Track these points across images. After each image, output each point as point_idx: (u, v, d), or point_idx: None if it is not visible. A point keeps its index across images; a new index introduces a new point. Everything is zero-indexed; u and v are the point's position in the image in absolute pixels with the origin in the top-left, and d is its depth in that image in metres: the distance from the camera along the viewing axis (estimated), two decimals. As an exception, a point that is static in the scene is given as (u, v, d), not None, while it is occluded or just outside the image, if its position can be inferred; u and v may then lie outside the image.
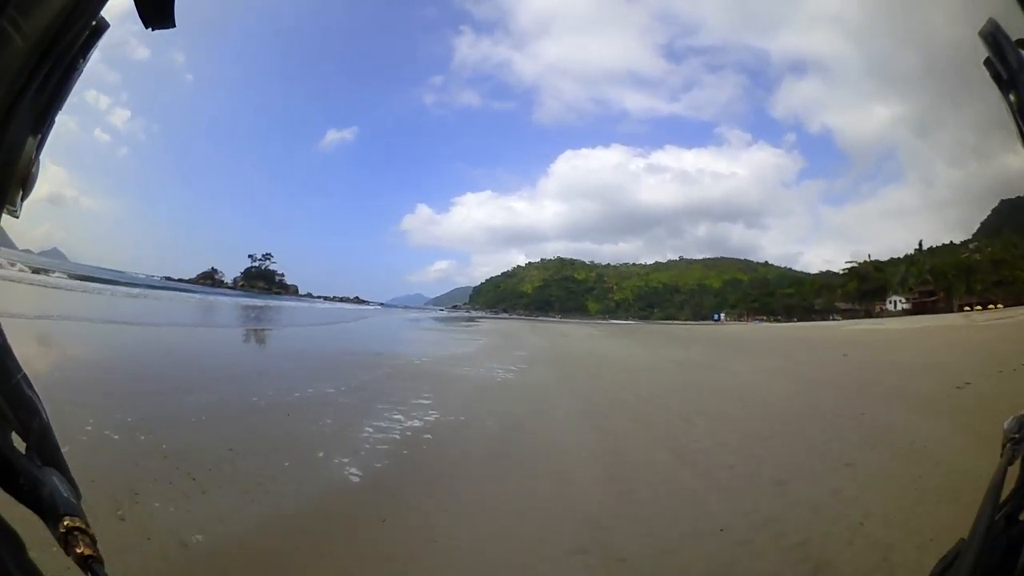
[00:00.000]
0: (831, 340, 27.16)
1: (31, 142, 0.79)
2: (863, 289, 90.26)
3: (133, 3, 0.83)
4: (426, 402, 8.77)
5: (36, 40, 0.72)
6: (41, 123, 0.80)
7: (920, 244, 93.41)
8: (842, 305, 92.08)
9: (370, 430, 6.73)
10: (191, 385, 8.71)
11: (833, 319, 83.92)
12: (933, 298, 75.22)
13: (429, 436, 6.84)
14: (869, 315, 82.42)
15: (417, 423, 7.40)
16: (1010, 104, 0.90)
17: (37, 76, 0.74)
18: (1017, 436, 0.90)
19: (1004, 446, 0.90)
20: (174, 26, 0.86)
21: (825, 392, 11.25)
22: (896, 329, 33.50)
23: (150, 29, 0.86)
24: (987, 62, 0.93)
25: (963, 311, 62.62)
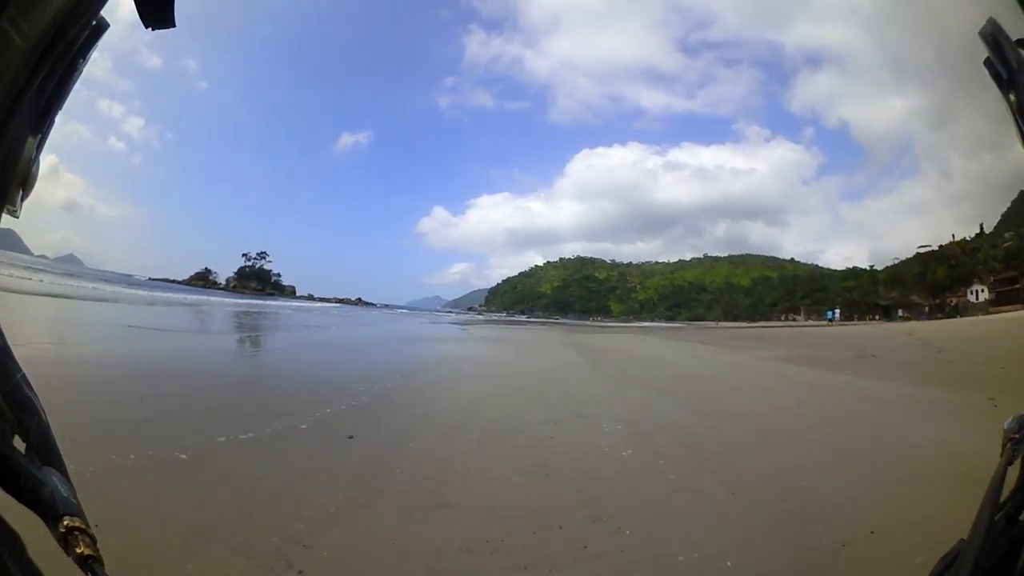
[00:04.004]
0: None
1: (31, 142, 0.79)
2: (953, 276, 79.12)
3: (133, 3, 0.83)
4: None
5: (36, 40, 0.72)
6: (41, 123, 0.80)
7: (981, 227, 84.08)
8: (916, 299, 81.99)
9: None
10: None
11: (902, 315, 75.60)
12: (1016, 285, 68.91)
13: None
14: (940, 309, 73.82)
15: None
16: (1010, 104, 0.90)
17: (37, 76, 0.74)
18: (1017, 436, 0.90)
19: (1004, 446, 0.90)
20: (174, 26, 0.86)
21: None
22: None
23: (150, 29, 0.86)
24: (987, 62, 0.93)
25: (1056, 299, 57.06)
